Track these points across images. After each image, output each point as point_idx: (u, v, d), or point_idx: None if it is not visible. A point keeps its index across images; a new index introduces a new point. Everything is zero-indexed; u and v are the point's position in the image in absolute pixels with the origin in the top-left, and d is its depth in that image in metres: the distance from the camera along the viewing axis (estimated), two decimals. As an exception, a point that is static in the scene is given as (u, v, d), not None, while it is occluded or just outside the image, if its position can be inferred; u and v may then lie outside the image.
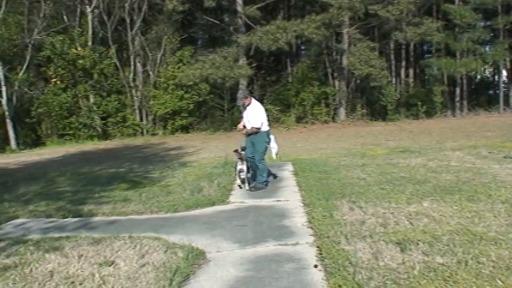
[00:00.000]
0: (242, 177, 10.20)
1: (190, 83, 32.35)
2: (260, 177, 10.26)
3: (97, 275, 5.16)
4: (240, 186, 10.35)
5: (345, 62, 34.68)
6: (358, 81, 38.04)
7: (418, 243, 5.57)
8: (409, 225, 6.42)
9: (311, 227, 6.69)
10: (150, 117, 35.87)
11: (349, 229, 6.31)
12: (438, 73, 37.96)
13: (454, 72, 36.31)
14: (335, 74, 37.68)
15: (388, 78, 35.41)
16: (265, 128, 10.35)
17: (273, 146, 10.75)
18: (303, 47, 43.17)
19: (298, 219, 7.27)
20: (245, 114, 10.45)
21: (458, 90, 38.47)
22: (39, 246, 6.44)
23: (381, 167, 12.05)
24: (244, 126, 10.50)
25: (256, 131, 10.21)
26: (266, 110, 31.79)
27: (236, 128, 11.36)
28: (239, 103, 10.88)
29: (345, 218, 6.90)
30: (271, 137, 10.68)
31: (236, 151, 10.22)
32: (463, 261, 4.95)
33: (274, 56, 40.15)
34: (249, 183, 10.19)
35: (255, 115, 10.22)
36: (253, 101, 10.46)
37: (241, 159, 10.12)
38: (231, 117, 35.35)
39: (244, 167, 10.10)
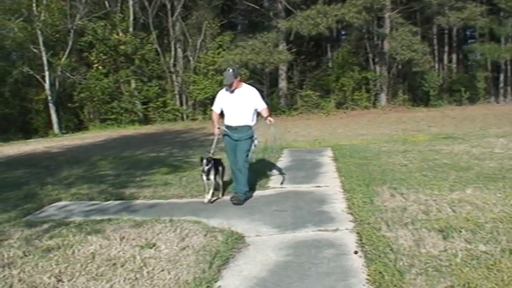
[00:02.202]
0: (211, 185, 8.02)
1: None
2: (243, 186, 8.01)
3: (138, 257, 5.23)
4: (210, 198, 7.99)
5: (386, 46, 34.22)
6: (399, 67, 37.52)
7: (460, 231, 5.49)
8: (451, 212, 6.32)
9: (351, 213, 6.65)
10: (190, 103, 36.15)
11: (390, 216, 6.25)
12: (482, 59, 37.15)
13: (498, 58, 35.48)
14: (376, 59, 37.19)
15: (430, 64, 34.85)
16: (254, 121, 8.18)
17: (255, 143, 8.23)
18: (343, 32, 42.73)
19: (338, 205, 7.24)
20: (230, 100, 8.05)
21: (502, 76, 37.75)
22: (81, 228, 6.55)
23: (423, 153, 11.90)
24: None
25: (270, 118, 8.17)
26: (305, 96, 31.36)
27: (214, 132, 8.24)
28: (227, 82, 7.94)
29: (386, 205, 6.83)
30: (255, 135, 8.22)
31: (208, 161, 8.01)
32: (507, 250, 4.86)
33: (314, 41, 39.80)
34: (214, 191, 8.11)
35: (254, 98, 8.10)
36: (245, 85, 8.22)
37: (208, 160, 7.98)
38: (271, 103, 35.25)
39: (212, 176, 7.99)
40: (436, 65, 39.80)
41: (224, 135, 8.15)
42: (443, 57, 41.33)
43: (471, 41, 43.10)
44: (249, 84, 8.26)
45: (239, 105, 7.98)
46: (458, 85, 35.54)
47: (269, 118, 8.15)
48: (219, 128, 8.10)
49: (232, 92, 8.00)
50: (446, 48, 41.24)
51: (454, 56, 41.73)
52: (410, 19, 35.65)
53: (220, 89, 8.33)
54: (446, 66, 40.84)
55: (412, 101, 35.51)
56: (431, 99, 34.46)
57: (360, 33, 37.79)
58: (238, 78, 8.00)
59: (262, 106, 8.15)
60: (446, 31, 39.94)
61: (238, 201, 7.74)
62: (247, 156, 8.08)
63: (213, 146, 8.23)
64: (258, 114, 8.23)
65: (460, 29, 40.73)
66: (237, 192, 7.93)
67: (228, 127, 8.08)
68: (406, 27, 33.14)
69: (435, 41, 40.33)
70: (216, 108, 8.24)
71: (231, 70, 7.94)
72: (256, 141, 8.17)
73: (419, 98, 36.11)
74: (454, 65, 41.00)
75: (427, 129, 19.07)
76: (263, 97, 8.52)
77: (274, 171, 10.61)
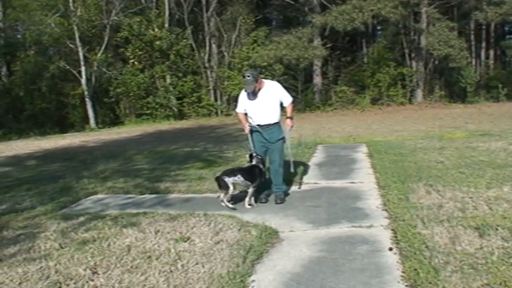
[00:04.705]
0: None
1: (265, 63, 32.36)
2: (281, 185, 7.87)
3: (173, 250, 5.29)
4: (250, 204, 7.41)
5: (423, 42, 33.76)
6: (436, 62, 37.06)
7: (497, 229, 5.40)
8: (488, 210, 6.22)
9: (386, 210, 6.60)
10: (225, 98, 36.28)
11: (426, 213, 6.18)
12: (520, 55, 36.46)
13: (537, 54, 34.78)
14: (412, 55, 36.76)
15: (467, 59, 34.28)
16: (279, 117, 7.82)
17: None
18: (379, 27, 42.32)
19: (373, 201, 7.19)
20: (255, 101, 7.64)
21: (541, 73, 36.91)
22: (117, 221, 6.65)
23: (459, 150, 11.72)
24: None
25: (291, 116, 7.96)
26: (340, 91, 31.04)
27: (245, 130, 7.89)
28: (249, 89, 7.49)
29: (422, 202, 6.75)
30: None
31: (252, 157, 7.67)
32: (546, 249, 4.77)
33: (350, 36, 39.58)
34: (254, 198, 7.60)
35: (279, 93, 7.74)
36: (267, 82, 7.83)
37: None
38: (305, 99, 35.25)
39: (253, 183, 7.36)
40: (473, 61, 39.19)
41: (253, 131, 7.74)
42: (480, 53, 40.69)
43: (509, 37, 42.38)
44: (283, 80, 8.07)
45: (266, 104, 7.61)
46: (495, 81, 34.87)
47: (288, 121, 7.89)
48: (249, 125, 7.73)
49: (255, 95, 7.60)
50: (483, 44, 40.60)
51: (491, 52, 41.08)
52: (447, 14, 35.14)
53: (242, 90, 7.92)
54: (483, 62, 40.22)
55: (448, 97, 34.92)
56: (468, 96, 33.86)
57: (396, 28, 37.32)
58: (259, 80, 7.57)
59: (288, 100, 7.82)
60: (483, 27, 39.25)
61: (281, 201, 7.55)
62: (282, 156, 7.85)
63: (251, 143, 7.76)
64: (282, 109, 7.85)
65: (498, 25, 39.96)
66: (277, 192, 7.72)
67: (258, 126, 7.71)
68: (443, 23, 32.65)
69: (472, 37, 39.73)
70: (240, 109, 7.93)
71: (250, 76, 7.40)
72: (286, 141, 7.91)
73: (456, 94, 35.52)
74: (492, 61, 40.35)
75: (464, 125, 18.78)
76: (288, 90, 8.13)
77: (308, 167, 10.60)
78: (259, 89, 7.56)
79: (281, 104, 7.78)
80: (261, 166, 7.62)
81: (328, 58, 36.54)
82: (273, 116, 7.68)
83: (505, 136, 14.15)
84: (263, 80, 7.79)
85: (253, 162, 7.55)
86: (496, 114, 23.69)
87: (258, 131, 7.70)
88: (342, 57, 38.36)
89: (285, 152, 8.11)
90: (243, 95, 7.84)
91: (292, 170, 8.09)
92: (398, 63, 36.15)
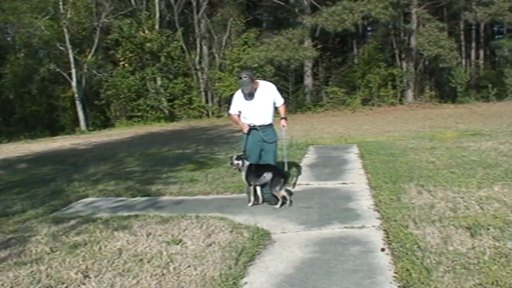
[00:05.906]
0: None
1: (255, 65, 32.37)
2: None
3: (165, 253, 5.26)
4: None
5: (413, 42, 33.95)
6: (426, 63, 37.22)
7: (488, 228, 5.42)
8: (479, 209, 6.24)
9: (378, 210, 6.61)
10: (216, 99, 36.26)
11: (418, 213, 6.19)
12: (510, 54, 36.65)
13: (526, 54, 34.98)
14: (403, 55, 36.94)
15: (457, 60, 34.48)
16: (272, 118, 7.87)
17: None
18: (369, 28, 42.51)
19: (365, 202, 7.20)
20: (250, 101, 7.63)
21: (531, 72, 37.09)
22: (108, 224, 6.62)
23: (450, 150, 11.77)
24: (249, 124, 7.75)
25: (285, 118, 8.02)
26: (331, 92, 31.07)
27: (244, 130, 7.74)
28: (246, 90, 7.48)
29: (413, 202, 6.77)
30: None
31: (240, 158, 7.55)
32: (537, 248, 4.78)
33: (340, 37, 39.75)
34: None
35: (273, 94, 7.80)
36: (261, 82, 7.88)
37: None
38: (296, 100, 35.28)
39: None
40: (463, 61, 39.42)
41: (251, 129, 7.65)
42: (470, 53, 40.93)
43: (499, 37, 42.60)
44: (274, 81, 8.06)
45: (261, 104, 7.62)
46: (485, 81, 35.08)
47: (283, 122, 7.98)
48: (248, 125, 7.65)
49: (251, 95, 7.59)
50: (473, 44, 40.84)
51: (481, 52, 41.29)
52: (437, 15, 35.32)
53: (236, 91, 7.95)
54: (473, 62, 40.42)
55: (439, 98, 35.11)
56: (458, 96, 34.06)
57: (386, 29, 37.54)
58: (255, 80, 7.63)
59: (280, 101, 7.91)
60: (473, 27, 39.49)
61: (275, 202, 7.33)
62: (275, 158, 7.87)
63: (245, 144, 7.74)
64: (275, 110, 7.88)
65: (487, 25, 40.16)
66: (268, 194, 7.51)
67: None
68: (433, 23, 32.85)
69: (462, 37, 39.97)
70: (234, 111, 7.93)
71: (247, 77, 7.42)
72: (278, 141, 7.90)
73: (447, 94, 35.72)
74: (482, 61, 40.55)
75: (455, 125, 18.86)
76: (280, 91, 8.15)
77: (300, 168, 10.60)
78: (255, 89, 7.57)
79: (273, 105, 7.79)
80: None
81: (319, 59, 36.59)
82: (268, 117, 7.71)
83: (495, 136, 14.22)
84: (257, 80, 7.81)
85: (245, 167, 7.42)
86: (486, 114, 23.80)
87: (256, 130, 7.65)
88: (332, 58, 38.41)
89: (279, 153, 8.19)
90: (238, 96, 7.80)
91: (286, 169, 8.17)
92: (389, 64, 36.33)
